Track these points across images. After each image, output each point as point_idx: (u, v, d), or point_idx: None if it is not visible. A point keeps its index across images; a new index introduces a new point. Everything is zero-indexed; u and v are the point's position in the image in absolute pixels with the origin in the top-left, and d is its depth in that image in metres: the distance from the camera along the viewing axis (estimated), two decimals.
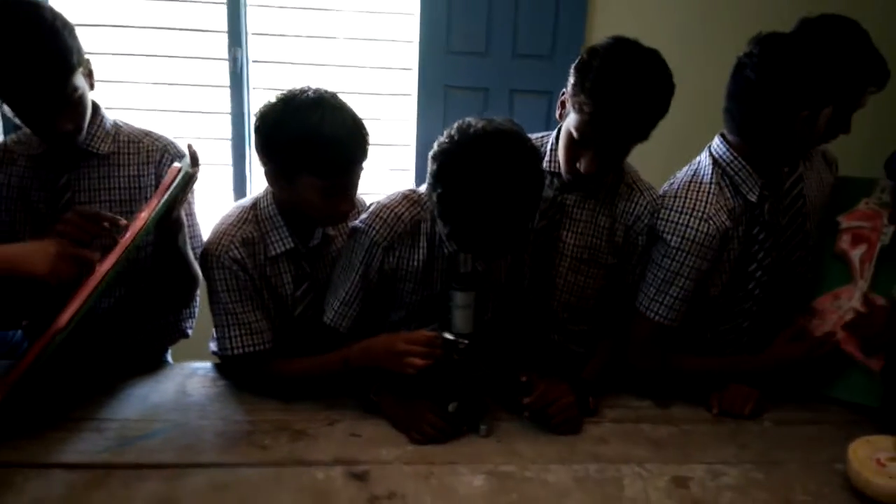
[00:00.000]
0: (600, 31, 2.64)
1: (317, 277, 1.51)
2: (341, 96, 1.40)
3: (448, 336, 1.35)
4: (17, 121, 1.46)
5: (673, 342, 1.53)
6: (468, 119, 1.27)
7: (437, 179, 1.25)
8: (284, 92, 1.37)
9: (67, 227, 1.32)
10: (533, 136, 1.55)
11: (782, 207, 1.53)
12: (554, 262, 1.52)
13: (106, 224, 1.36)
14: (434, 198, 1.26)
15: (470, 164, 1.21)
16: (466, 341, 1.35)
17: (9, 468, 1.20)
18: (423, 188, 1.41)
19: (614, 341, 1.56)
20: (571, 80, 1.36)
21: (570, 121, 1.37)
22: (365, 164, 1.40)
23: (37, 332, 1.31)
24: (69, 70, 1.33)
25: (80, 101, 1.39)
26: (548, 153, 1.52)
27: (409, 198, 1.44)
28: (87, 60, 1.40)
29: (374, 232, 1.40)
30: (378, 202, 1.45)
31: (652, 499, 1.21)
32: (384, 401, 1.42)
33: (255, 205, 1.48)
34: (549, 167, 1.50)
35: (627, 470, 1.29)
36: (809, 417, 1.49)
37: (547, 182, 1.50)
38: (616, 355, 1.55)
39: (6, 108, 1.45)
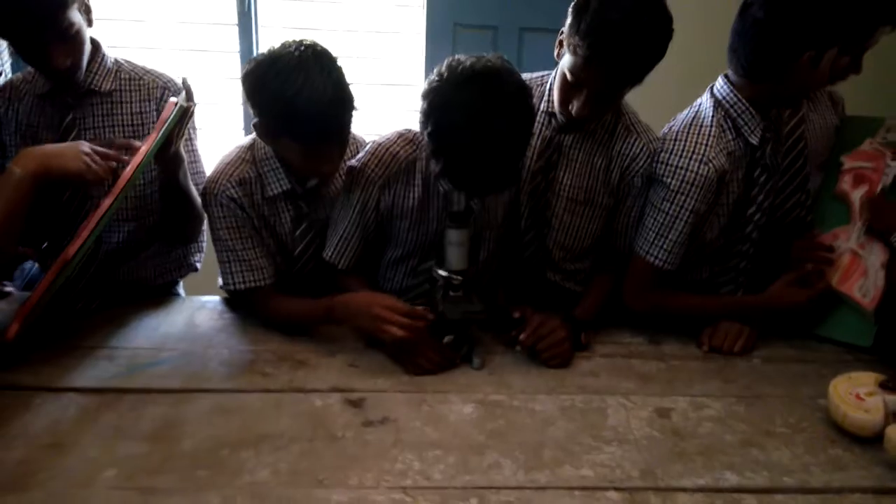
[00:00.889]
0: None
1: (316, 217, 1.55)
2: (350, 34, 1.39)
3: (442, 273, 1.39)
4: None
5: (670, 282, 1.55)
6: (458, 56, 1.28)
7: (428, 117, 1.27)
8: (272, 48, 1.35)
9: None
10: (536, 74, 1.56)
11: (783, 150, 1.53)
12: (550, 202, 1.54)
13: (121, 152, 1.40)
14: (425, 136, 1.28)
15: (458, 102, 1.23)
16: (461, 278, 1.39)
17: (27, 391, 1.28)
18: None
19: (608, 278, 1.59)
20: (568, 20, 1.35)
21: (565, 62, 1.37)
22: (350, 128, 1.40)
23: (48, 264, 1.38)
24: (64, 4, 1.35)
25: (76, 36, 1.41)
26: (546, 92, 1.52)
27: (404, 137, 1.45)
28: (86, 2, 1.42)
29: (369, 170, 1.43)
30: (374, 141, 1.48)
31: (633, 427, 1.26)
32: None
33: (252, 145, 1.50)
34: (547, 107, 1.50)
35: (612, 401, 1.34)
36: (799, 356, 1.52)
37: (545, 122, 1.51)
38: (610, 292, 1.59)
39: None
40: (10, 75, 1.72)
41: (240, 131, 2.70)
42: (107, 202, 1.34)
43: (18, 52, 1.41)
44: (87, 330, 1.49)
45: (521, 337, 1.43)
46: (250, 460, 1.13)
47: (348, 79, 1.37)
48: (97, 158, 1.32)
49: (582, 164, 1.52)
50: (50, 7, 1.33)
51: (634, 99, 1.48)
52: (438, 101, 1.26)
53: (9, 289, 1.63)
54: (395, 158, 1.43)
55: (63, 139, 1.52)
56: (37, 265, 1.80)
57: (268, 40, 2.64)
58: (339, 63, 1.37)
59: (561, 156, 1.52)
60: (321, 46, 1.37)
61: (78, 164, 1.28)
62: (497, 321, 1.51)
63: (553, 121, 1.50)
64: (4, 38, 1.39)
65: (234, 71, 2.65)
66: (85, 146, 1.33)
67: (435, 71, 1.30)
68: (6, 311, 1.49)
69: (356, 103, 1.37)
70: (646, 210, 1.51)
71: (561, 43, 1.40)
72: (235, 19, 2.57)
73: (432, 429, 1.24)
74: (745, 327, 1.53)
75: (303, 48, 1.33)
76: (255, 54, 2.58)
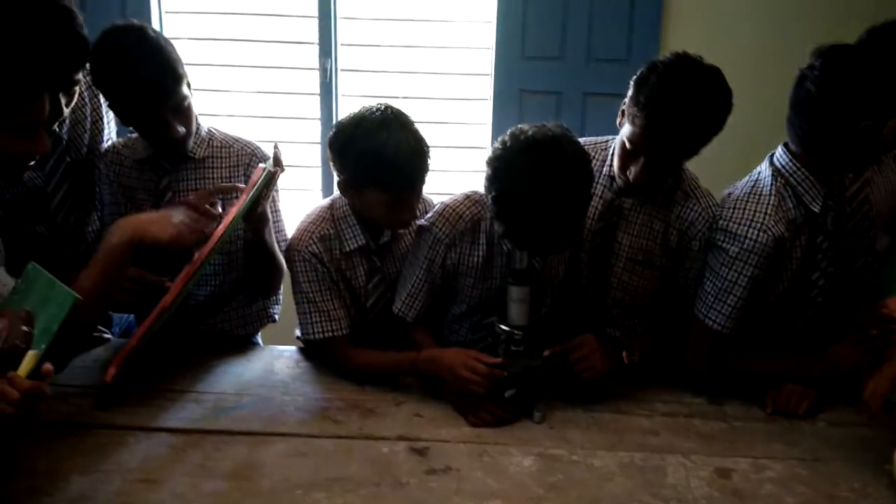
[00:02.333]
0: (676, 34, 2.66)
1: (387, 271, 1.65)
2: (422, 101, 1.53)
3: (504, 327, 1.45)
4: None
5: (733, 345, 1.56)
6: (520, 126, 1.38)
7: (492, 183, 1.37)
8: (355, 112, 1.52)
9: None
10: (598, 139, 1.64)
11: (847, 213, 1.54)
12: (609, 262, 1.60)
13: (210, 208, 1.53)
14: (489, 200, 1.38)
15: (521, 169, 1.32)
16: (522, 333, 1.45)
17: (123, 430, 1.40)
18: None
19: (665, 325, 1.62)
20: (630, 91, 1.43)
21: (624, 130, 1.45)
22: (427, 178, 1.53)
23: (145, 314, 1.52)
24: (178, 79, 1.53)
25: (188, 108, 1.59)
26: (608, 157, 1.59)
27: (470, 198, 1.56)
28: (185, 72, 1.59)
29: (436, 229, 1.53)
30: (442, 202, 1.58)
31: (692, 486, 1.27)
32: (446, 385, 1.54)
33: (332, 205, 1.63)
34: (609, 171, 1.57)
35: (672, 459, 1.35)
36: (865, 421, 1.49)
37: (606, 185, 1.58)
38: (665, 340, 1.61)
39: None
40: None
41: (318, 192, 2.88)
42: (200, 257, 1.48)
43: (137, 127, 1.59)
44: (177, 375, 1.62)
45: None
46: (321, 501, 1.21)
47: None
48: (188, 224, 1.44)
49: (641, 227, 1.57)
50: (168, 84, 1.50)
51: (694, 163, 1.53)
52: (502, 168, 1.36)
53: (107, 336, 1.80)
54: (461, 218, 1.53)
55: (158, 201, 1.68)
56: (132, 315, 1.97)
57: (346, 108, 2.83)
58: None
59: (621, 218, 1.58)
60: (398, 108, 1.53)
61: (169, 232, 1.40)
62: (557, 377, 1.56)
63: (614, 184, 1.57)
64: (127, 112, 1.57)
65: (314, 136, 2.84)
66: (177, 216, 1.44)
67: (499, 139, 1.40)
68: (105, 356, 1.64)
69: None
70: (705, 274, 1.54)
71: (623, 112, 1.48)
72: (318, 89, 2.78)
73: (493, 479, 1.29)
74: (810, 390, 1.53)
75: (384, 109, 1.51)
76: (334, 120, 2.80)
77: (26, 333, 1.13)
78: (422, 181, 1.52)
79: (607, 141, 1.63)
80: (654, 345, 1.60)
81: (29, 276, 1.23)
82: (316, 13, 2.72)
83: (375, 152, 1.44)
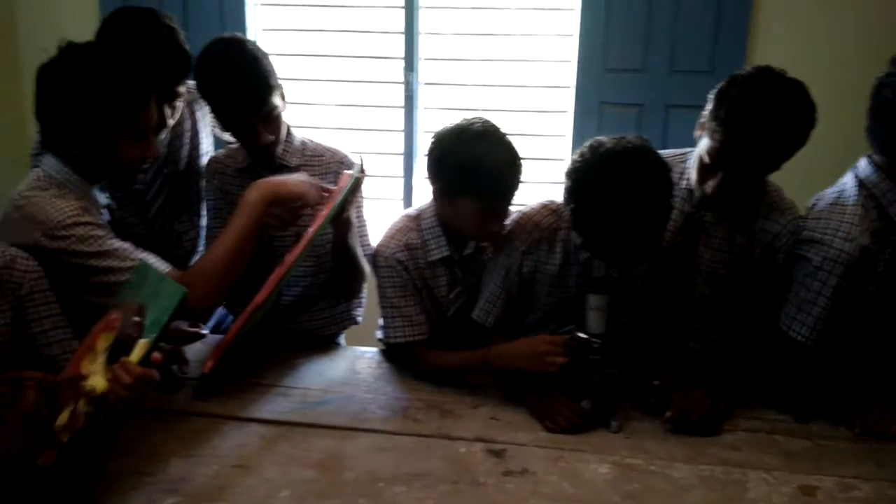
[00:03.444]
0: (763, 45, 2.61)
1: (468, 282, 1.69)
2: (502, 114, 1.57)
3: (582, 335, 1.47)
4: (225, 138, 1.81)
5: (822, 359, 1.52)
6: (599, 137, 1.40)
7: (571, 195, 1.39)
8: (456, 123, 1.58)
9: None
10: (679, 151, 1.64)
11: None
12: (690, 275, 1.59)
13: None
14: (569, 212, 1.40)
15: (600, 181, 1.34)
16: (599, 341, 1.46)
17: (218, 419, 1.50)
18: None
19: (752, 352, 1.59)
20: (709, 105, 1.43)
21: (703, 144, 1.45)
22: (517, 191, 1.56)
23: (238, 311, 1.62)
24: (270, 89, 1.63)
25: (278, 117, 1.69)
26: (687, 170, 1.58)
27: (547, 207, 1.58)
28: (280, 86, 1.69)
29: (514, 238, 1.57)
30: (520, 210, 1.62)
31: (774, 502, 1.25)
32: (525, 391, 1.57)
33: (419, 215, 1.69)
34: (689, 183, 1.57)
35: (754, 475, 1.33)
36: None
37: (686, 197, 1.57)
38: (753, 367, 1.58)
39: (217, 130, 1.80)
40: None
41: (399, 202, 2.97)
42: (290, 258, 1.56)
43: (232, 131, 1.70)
44: (267, 370, 1.71)
45: (668, 414, 1.47)
46: (402, 495, 1.26)
47: None
48: (316, 186, 1.57)
49: (722, 240, 1.56)
50: (260, 95, 1.61)
51: (779, 174, 1.51)
52: (581, 180, 1.38)
53: (204, 331, 1.91)
54: (537, 227, 1.56)
55: None
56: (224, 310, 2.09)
57: (427, 120, 2.91)
58: None
59: (701, 231, 1.57)
60: (492, 121, 1.58)
61: (302, 186, 1.54)
62: (636, 387, 1.56)
63: (693, 197, 1.56)
64: (221, 119, 1.69)
65: (397, 147, 2.93)
66: (304, 175, 1.59)
67: (578, 151, 1.42)
68: (203, 350, 1.75)
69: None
70: (791, 285, 1.51)
71: (702, 125, 1.48)
72: (401, 102, 2.87)
73: (569, 484, 1.31)
74: None
75: (482, 121, 1.56)
76: (416, 133, 2.89)
77: (137, 324, 1.23)
78: (514, 193, 1.55)
79: (686, 153, 1.62)
80: (741, 376, 1.58)
81: (140, 272, 1.34)
82: (402, 29, 2.81)
83: (473, 161, 1.49)
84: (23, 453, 1.04)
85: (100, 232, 1.42)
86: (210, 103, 1.68)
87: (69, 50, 1.42)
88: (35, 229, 1.37)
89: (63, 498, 1.16)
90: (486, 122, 1.57)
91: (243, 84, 1.59)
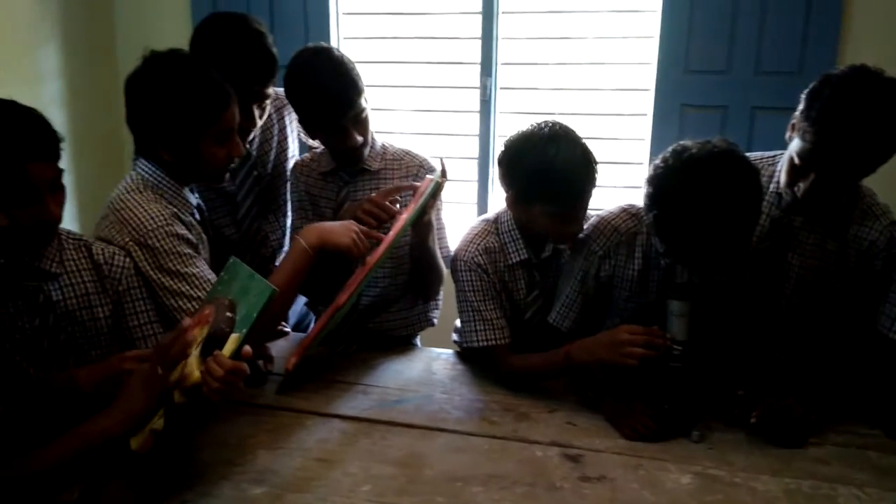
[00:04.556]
0: (855, 45, 2.50)
1: (546, 286, 1.69)
2: (579, 118, 1.56)
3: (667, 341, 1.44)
4: (311, 144, 1.87)
5: None
6: (682, 142, 1.36)
7: (653, 201, 1.37)
8: (526, 127, 1.57)
9: (365, 213, 1.64)
10: (767, 154, 1.59)
11: None
12: (778, 282, 1.54)
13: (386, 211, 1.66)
14: (650, 218, 1.38)
15: (685, 189, 1.30)
16: (681, 349, 1.43)
17: (302, 413, 1.55)
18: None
19: (841, 361, 1.53)
20: (801, 105, 1.38)
21: (794, 146, 1.40)
22: (593, 192, 1.55)
23: (320, 310, 1.67)
24: (359, 93, 1.68)
25: (366, 119, 1.74)
26: (777, 173, 1.54)
27: (627, 211, 1.56)
28: (364, 86, 1.73)
29: (592, 241, 1.55)
30: (599, 214, 1.60)
31: None
32: (601, 397, 1.56)
33: (496, 219, 1.70)
34: (777, 187, 1.52)
35: (844, 490, 1.28)
36: None
37: (774, 202, 1.52)
38: (845, 378, 1.52)
39: (304, 136, 1.86)
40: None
41: (474, 206, 2.99)
42: (372, 260, 1.60)
43: (322, 133, 1.75)
44: (348, 368, 1.76)
45: (755, 414, 1.43)
46: (480, 495, 1.27)
47: None
48: (362, 237, 1.56)
49: (813, 247, 1.50)
50: (350, 96, 1.66)
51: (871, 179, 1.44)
52: (665, 187, 1.35)
53: (286, 329, 1.98)
54: (616, 231, 1.54)
55: (338, 209, 1.84)
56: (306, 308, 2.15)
57: (504, 125, 2.92)
58: None
59: (790, 237, 1.52)
60: (564, 123, 1.57)
61: (347, 240, 1.53)
62: (719, 397, 1.52)
63: (782, 201, 1.51)
64: (314, 123, 1.74)
65: (472, 152, 2.95)
66: (354, 225, 1.57)
67: (660, 157, 1.39)
68: (286, 347, 1.81)
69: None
70: (891, 289, 1.44)
71: (793, 126, 1.43)
72: (478, 107, 2.89)
73: (649, 493, 1.29)
74: None
75: (551, 125, 1.55)
76: (492, 137, 2.90)
77: (229, 319, 1.29)
78: (589, 194, 1.54)
79: (775, 156, 1.57)
80: (831, 387, 1.52)
81: (231, 269, 1.40)
82: (479, 35, 2.83)
83: (544, 166, 1.49)
84: (145, 411, 1.10)
85: (186, 249, 1.48)
86: (300, 108, 1.74)
87: (152, 59, 1.50)
88: (126, 234, 1.45)
89: (159, 485, 1.23)
90: (557, 124, 1.55)
91: (334, 86, 1.64)
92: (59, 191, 1.27)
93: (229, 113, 1.50)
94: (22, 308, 1.28)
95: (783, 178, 1.46)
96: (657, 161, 1.40)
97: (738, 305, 1.58)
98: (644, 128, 2.78)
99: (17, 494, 1.06)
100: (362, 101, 1.70)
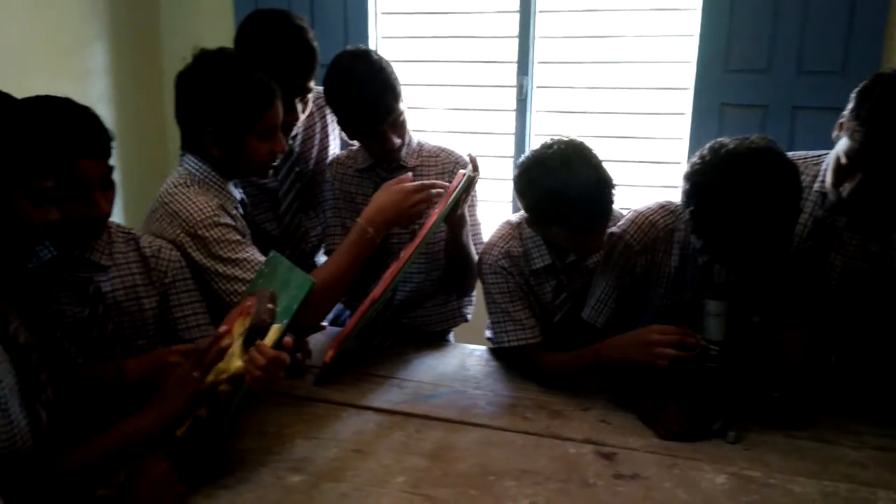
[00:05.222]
0: None
1: (574, 288, 1.69)
2: (616, 116, 1.54)
3: (700, 341, 1.44)
4: (350, 141, 1.90)
5: None
6: (721, 139, 1.35)
7: (690, 198, 1.36)
8: (538, 148, 1.57)
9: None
10: (811, 153, 1.57)
11: None
12: (820, 283, 1.51)
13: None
14: (687, 215, 1.37)
15: (721, 184, 1.30)
16: (717, 349, 1.42)
17: (337, 405, 1.58)
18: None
19: (884, 365, 1.50)
20: (850, 104, 1.36)
21: (841, 144, 1.38)
22: (613, 208, 1.54)
23: (355, 304, 1.70)
24: (396, 98, 1.71)
25: (404, 122, 1.77)
26: (821, 172, 1.52)
27: (665, 207, 1.55)
28: (402, 89, 1.76)
29: (628, 236, 1.55)
30: (635, 210, 1.59)
31: None
32: (635, 395, 1.55)
33: (520, 223, 1.70)
34: (821, 187, 1.50)
35: (884, 494, 1.26)
36: None
37: (817, 201, 1.50)
38: (884, 380, 1.49)
39: (344, 134, 1.89)
40: None
41: (508, 204, 2.99)
42: (406, 254, 1.62)
43: (360, 138, 1.79)
44: (383, 363, 1.78)
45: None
46: (512, 489, 1.28)
47: (615, 157, 1.52)
48: (417, 195, 1.60)
49: (857, 248, 1.47)
50: (388, 102, 1.69)
51: None
52: (701, 183, 1.34)
53: (324, 323, 2.01)
54: (653, 227, 1.54)
55: None
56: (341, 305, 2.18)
57: (540, 123, 2.92)
58: (606, 144, 1.54)
59: (833, 238, 1.49)
60: (576, 140, 1.56)
61: (404, 208, 1.58)
62: (755, 398, 1.51)
63: (826, 201, 1.49)
64: (353, 127, 1.77)
65: (508, 150, 2.96)
66: (408, 186, 1.60)
67: (697, 153, 1.39)
68: (323, 340, 1.84)
69: (614, 181, 1.53)
70: None
71: (841, 125, 1.41)
72: (514, 105, 2.90)
73: (683, 492, 1.28)
74: None
75: (563, 146, 1.54)
76: (527, 136, 2.90)
77: (271, 311, 1.32)
78: (607, 214, 1.53)
79: (820, 156, 1.54)
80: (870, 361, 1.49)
81: (271, 263, 1.44)
82: (516, 33, 2.84)
83: (559, 192, 1.47)
84: (181, 412, 1.14)
85: (236, 236, 1.53)
86: (339, 113, 1.77)
87: (201, 57, 1.55)
88: (177, 226, 1.50)
89: (202, 469, 1.27)
90: (569, 144, 1.53)
91: (373, 91, 1.67)
92: (110, 188, 1.32)
93: (274, 111, 1.54)
94: (72, 298, 1.33)
95: (829, 177, 1.44)
96: (695, 157, 1.39)
97: (778, 305, 1.56)
98: (683, 127, 2.76)
99: (60, 488, 1.10)
100: (400, 106, 1.72)
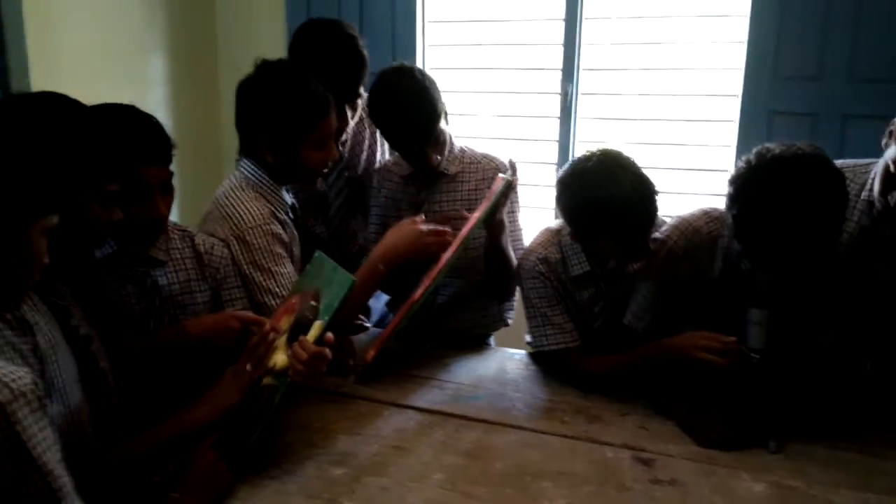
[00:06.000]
0: None
1: (613, 295, 1.69)
2: (662, 123, 1.54)
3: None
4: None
5: None
6: (767, 145, 1.35)
7: (734, 201, 1.36)
8: (577, 161, 1.58)
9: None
10: (860, 161, 1.55)
11: None
12: (866, 293, 1.49)
13: (452, 222, 1.71)
14: (730, 218, 1.37)
15: (764, 188, 1.30)
16: (759, 357, 1.42)
17: (379, 403, 1.62)
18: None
19: None
20: None
21: (890, 152, 1.36)
22: (657, 215, 1.54)
23: (397, 307, 1.74)
24: (436, 119, 1.74)
25: (443, 141, 1.80)
26: (869, 182, 1.49)
27: (709, 213, 1.55)
28: (444, 104, 1.79)
29: (671, 242, 1.55)
30: (679, 216, 1.60)
31: None
32: (674, 403, 1.55)
33: (559, 230, 1.71)
34: (869, 196, 1.48)
35: None
36: None
37: (864, 210, 1.48)
38: None
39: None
40: None
41: (551, 211, 2.99)
42: (445, 257, 1.66)
43: (402, 153, 1.84)
44: (423, 364, 1.82)
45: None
46: (549, 490, 1.30)
47: (661, 165, 1.53)
48: (430, 237, 1.63)
49: None
50: (428, 127, 1.73)
51: None
52: (745, 187, 1.34)
53: (366, 324, 2.06)
54: (697, 232, 1.54)
55: (417, 210, 1.89)
56: (386, 307, 2.23)
57: (584, 130, 2.92)
58: (652, 151, 1.54)
59: (880, 247, 1.47)
60: (613, 150, 1.57)
61: (412, 251, 1.62)
62: (798, 407, 1.49)
63: (873, 210, 1.47)
64: (392, 144, 1.85)
65: (551, 157, 2.97)
66: (419, 225, 1.64)
67: (743, 158, 1.39)
68: (364, 340, 1.89)
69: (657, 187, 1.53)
70: None
71: (891, 133, 1.39)
72: (558, 112, 2.91)
73: (721, 499, 1.28)
74: None
75: (601, 157, 1.55)
76: (571, 142, 2.91)
77: (313, 308, 1.37)
78: (652, 221, 1.53)
79: (868, 164, 1.52)
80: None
81: (316, 262, 1.49)
82: (562, 41, 2.85)
83: (603, 204, 1.48)
84: (232, 404, 1.20)
85: (279, 249, 1.59)
86: (382, 131, 1.83)
87: (262, 67, 1.62)
88: (228, 228, 1.57)
89: (249, 460, 1.32)
90: (607, 155, 1.54)
91: (413, 117, 1.71)
92: (169, 192, 1.39)
93: (328, 121, 1.61)
94: (132, 291, 1.40)
95: (876, 185, 1.42)
96: (740, 162, 1.39)
97: (823, 315, 1.54)
98: (730, 134, 2.73)
99: (119, 474, 1.17)
100: (440, 126, 1.75)
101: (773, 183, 1.30)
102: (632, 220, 1.49)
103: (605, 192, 1.49)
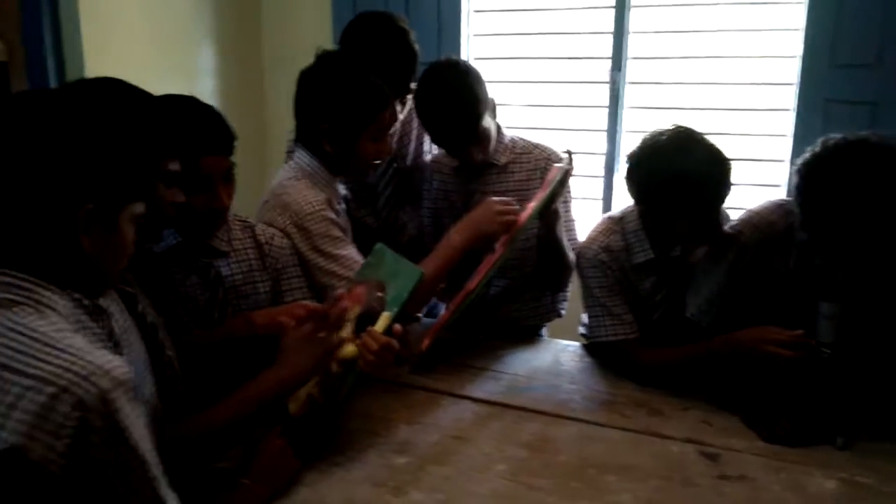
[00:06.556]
0: None
1: (675, 285, 1.66)
2: (715, 112, 1.52)
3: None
4: None
5: None
6: (833, 134, 1.33)
7: (800, 190, 1.33)
8: (648, 138, 1.55)
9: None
10: None
11: None
12: None
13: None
14: (796, 207, 1.34)
15: (830, 175, 1.27)
16: (829, 351, 1.38)
17: (436, 393, 1.62)
18: None
19: None
20: None
21: None
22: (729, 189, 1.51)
23: (450, 297, 1.73)
24: (479, 117, 1.71)
25: (487, 136, 1.78)
26: None
27: (782, 206, 1.52)
28: (492, 100, 1.78)
29: (744, 236, 1.52)
30: (751, 209, 1.56)
31: None
32: (738, 397, 1.52)
33: (622, 217, 1.69)
34: None
35: None
36: None
37: None
38: None
39: None
40: None
41: (599, 202, 2.97)
42: (500, 248, 1.64)
43: (447, 150, 1.83)
44: (477, 354, 1.81)
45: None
46: (613, 484, 1.28)
47: None
48: (506, 211, 1.60)
49: None
50: (470, 122, 1.71)
51: None
52: (810, 175, 1.32)
53: (419, 314, 2.06)
54: (771, 226, 1.50)
55: (467, 202, 1.88)
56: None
57: (632, 120, 2.88)
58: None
59: None
60: (683, 126, 1.54)
61: (494, 226, 1.59)
62: (868, 403, 1.45)
63: None
64: (436, 141, 1.83)
65: (600, 147, 2.94)
66: (494, 205, 1.61)
67: (810, 147, 1.36)
68: (418, 330, 1.89)
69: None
70: None
71: None
72: (607, 101, 2.87)
73: (791, 495, 1.25)
74: None
75: (674, 131, 1.53)
76: (618, 132, 2.87)
77: (380, 299, 1.37)
78: (726, 195, 1.50)
79: None
80: None
81: (377, 254, 1.49)
82: (611, 29, 2.81)
83: (681, 176, 1.45)
84: (310, 368, 1.20)
85: (338, 233, 1.59)
86: (427, 127, 1.82)
87: (324, 57, 1.62)
88: (287, 217, 1.57)
89: (314, 447, 1.33)
90: (681, 129, 1.52)
91: (456, 116, 1.69)
92: (230, 182, 1.40)
93: (386, 114, 1.60)
94: (196, 282, 1.42)
95: None
96: (807, 152, 1.36)
97: (893, 309, 1.50)
98: (786, 124, 2.66)
99: (194, 451, 1.17)
100: (482, 124, 1.73)
101: (839, 170, 1.27)
102: (707, 193, 1.47)
103: (680, 165, 1.46)
